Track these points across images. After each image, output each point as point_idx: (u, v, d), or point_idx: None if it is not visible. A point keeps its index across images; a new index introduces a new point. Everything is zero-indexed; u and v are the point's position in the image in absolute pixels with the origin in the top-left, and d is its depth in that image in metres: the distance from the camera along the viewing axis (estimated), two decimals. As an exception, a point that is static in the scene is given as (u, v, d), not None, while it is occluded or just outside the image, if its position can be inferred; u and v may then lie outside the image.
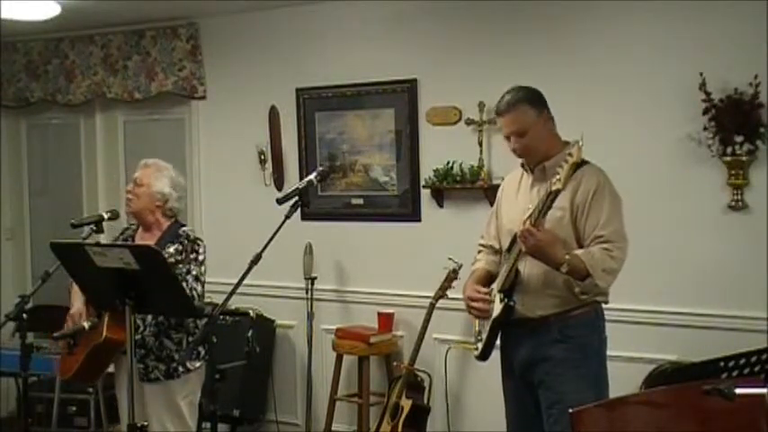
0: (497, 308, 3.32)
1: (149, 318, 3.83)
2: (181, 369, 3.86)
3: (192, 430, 3.94)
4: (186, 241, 3.87)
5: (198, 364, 3.91)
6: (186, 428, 3.89)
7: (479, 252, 3.63)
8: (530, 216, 3.14)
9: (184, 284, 3.72)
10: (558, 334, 3.26)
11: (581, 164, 3.19)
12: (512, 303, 3.28)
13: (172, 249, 3.79)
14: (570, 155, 2.99)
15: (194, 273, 3.81)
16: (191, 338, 3.85)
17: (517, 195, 3.45)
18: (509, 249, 3.34)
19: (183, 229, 3.99)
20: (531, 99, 3.35)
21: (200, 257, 3.87)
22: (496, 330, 3.38)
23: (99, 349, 3.76)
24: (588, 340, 3.29)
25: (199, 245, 3.88)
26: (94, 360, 3.84)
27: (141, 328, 3.82)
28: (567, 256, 3.11)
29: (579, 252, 3.16)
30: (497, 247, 3.52)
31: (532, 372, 3.32)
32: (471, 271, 3.61)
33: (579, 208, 3.23)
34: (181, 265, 3.75)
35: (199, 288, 3.83)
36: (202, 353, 3.90)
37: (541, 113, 3.34)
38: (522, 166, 3.47)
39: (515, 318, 3.31)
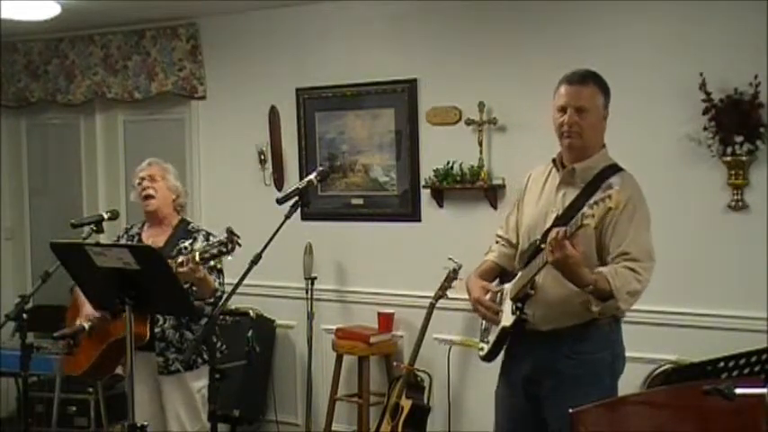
0: (508, 316, 3.20)
1: None
2: (199, 360, 3.93)
3: (204, 422, 3.96)
4: (206, 235, 3.97)
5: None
6: (200, 420, 3.92)
7: (496, 242, 3.48)
8: (564, 228, 2.92)
9: (211, 276, 3.80)
10: (569, 349, 3.12)
11: (616, 170, 3.09)
12: (524, 317, 3.15)
13: (216, 245, 3.74)
14: (609, 197, 2.76)
15: (219, 266, 3.88)
16: None
17: (541, 194, 3.28)
18: (528, 258, 3.17)
19: (193, 225, 4.12)
20: (605, 89, 3.19)
21: None
22: (505, 338, 3.27)
23: (117, 344, 3.74)
24: (600, 356, 3.14)
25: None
26: (110, 356, 3.85)
27: (161, 322, 3.89)
28: (594, 277, 2.93)
29: (605, 271, 2.98)
30: (514, 240, 3.38)
31: (538, 385, 3.19)
32: (482, 261, 3.46)
33: (606, 221, 3.02)
34: (213, 261, 3.77)
35: (222, 280, 3.90)
36: (220, 345, 3.98)
37: (606, 107, 3.19)
38: (554, 161, 3.27)
39: (525, 328, 3.20)
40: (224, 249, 3.63)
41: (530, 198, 3.34)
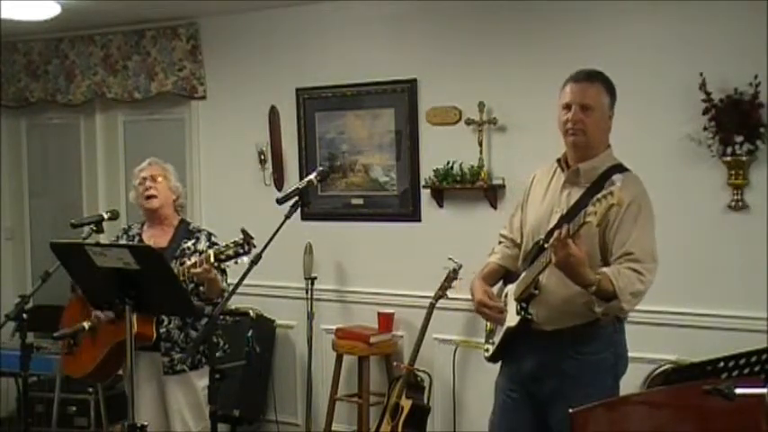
0: (512, 317, 3.19)
1: None
2: (204, 359, 3.93)
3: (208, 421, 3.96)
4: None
5: (218, 354, 3.97)
6: (204, 420, 3.92)
7: (499, 243, 3.47)
8: (566, 226, 2.91)
9: (220, 277, 3.79)
10: (571, 349, 3.12)
11: (620, 171, 3.08)
12: (529, 317, 3.14)
13: (232, 246, 3.73)
14: (611, 194, 2.76)
15: (223, 266, 3.85)
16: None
17: (545, 194, 3.27)
18: (532, 258, 3.16)
19: (193, 225, 4.14)
20: (611, 89, 3.19)
21: None
22: (509, 339, 3.25)
23: (122, 345, 3.70)
24: (603, 356, 3.14)
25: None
26: (115, 357, 3.84)
27: (166, 322, 3.88)
28: (597, 277, 2.92)
29: (608, 272, 2.97)
30: (519, 240, 3.37)
31: (540, 385, 3.19)
32: (485, 264, 3.45)
33: (610, 220, 3.00)
34: (230, 262, 3.76)
35: (227, 280, 3.89)
36: (222, 344, 4.00)
37: (611, 108, 3.19)
38: (558, 161, 3.27)
39: (530, 328, 3.19)
40: (240, 250, 3.64)
41: (534, 198, 3.33)
